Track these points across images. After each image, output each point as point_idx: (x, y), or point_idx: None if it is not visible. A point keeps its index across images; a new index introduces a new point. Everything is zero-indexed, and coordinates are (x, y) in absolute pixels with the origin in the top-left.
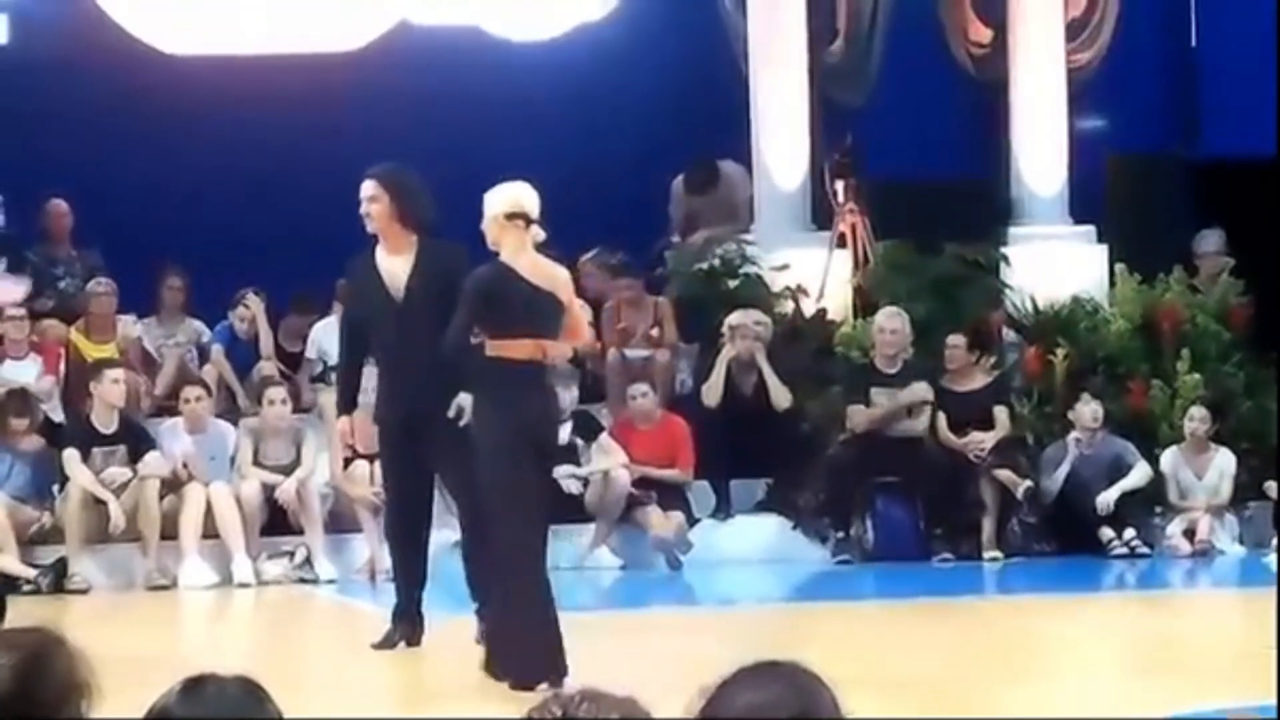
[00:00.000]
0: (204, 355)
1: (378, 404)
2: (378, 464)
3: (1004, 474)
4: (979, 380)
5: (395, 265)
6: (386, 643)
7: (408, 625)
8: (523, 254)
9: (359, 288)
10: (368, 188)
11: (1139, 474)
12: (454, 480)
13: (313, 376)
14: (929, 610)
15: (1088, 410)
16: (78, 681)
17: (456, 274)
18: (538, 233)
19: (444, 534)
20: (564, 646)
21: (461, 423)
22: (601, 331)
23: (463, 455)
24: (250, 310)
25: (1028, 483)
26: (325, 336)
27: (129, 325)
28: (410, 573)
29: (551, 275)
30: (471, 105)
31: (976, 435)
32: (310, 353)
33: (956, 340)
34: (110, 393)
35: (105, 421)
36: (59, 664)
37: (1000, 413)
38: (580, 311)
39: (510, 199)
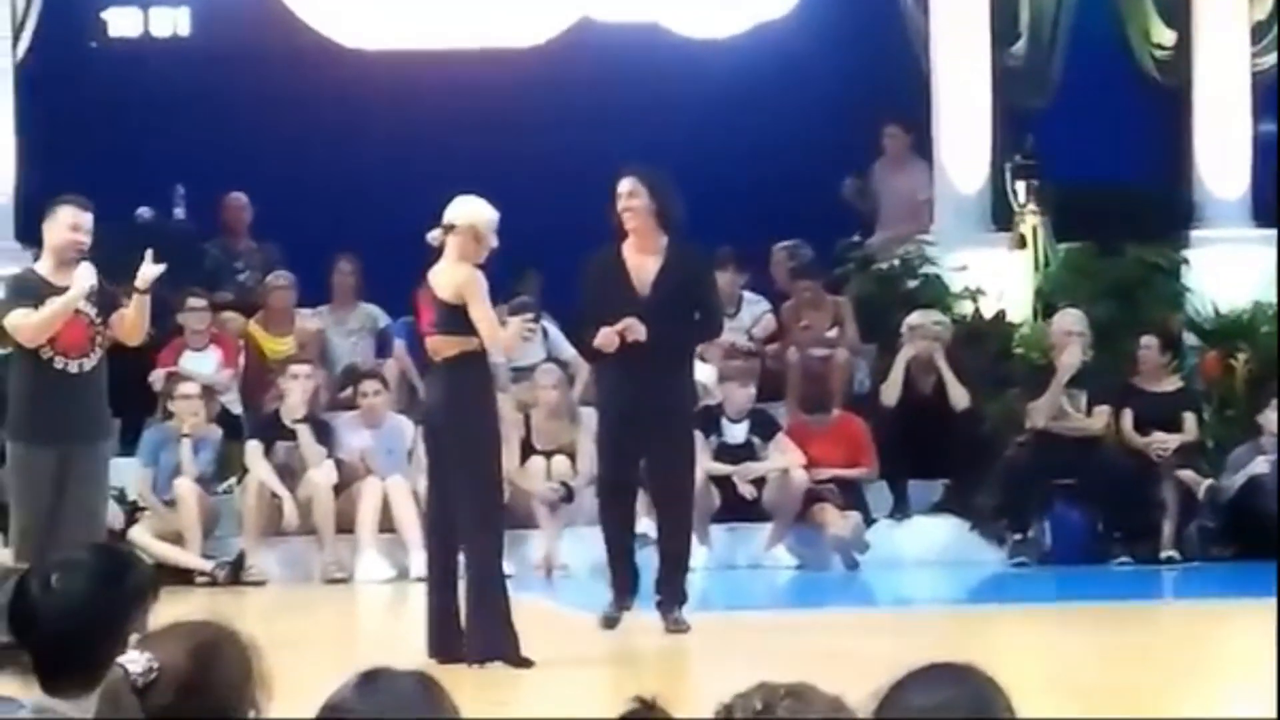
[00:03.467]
0: (381, 340)
1: (602, 393)
2: (554, 460)
3: (1187, 474)
4: (1169, 383)
5: (644, 263)
6: (610, 622)
7: (626, 596)
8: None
9: (603, 281)
10: (627, 184)
11: None
12: (656, 472)
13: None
14: (1106, 614)
15: (1276, 417)
16: (251, 673)
17: (702, 276)
18: (435, 238)
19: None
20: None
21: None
22: (783, 329)
23: (670, 449)
24: None
25: (1210, 481)
26: None
27: (307, 319)
28: (622, 552)
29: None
30: (650, 102)
31: (1160, 435)
32: (497, 357)
33: (1150, 341)
34: (296, 390)
35: (289, 416)
36: (232, 655)
37: (1189, 418)
38: (487, 317)
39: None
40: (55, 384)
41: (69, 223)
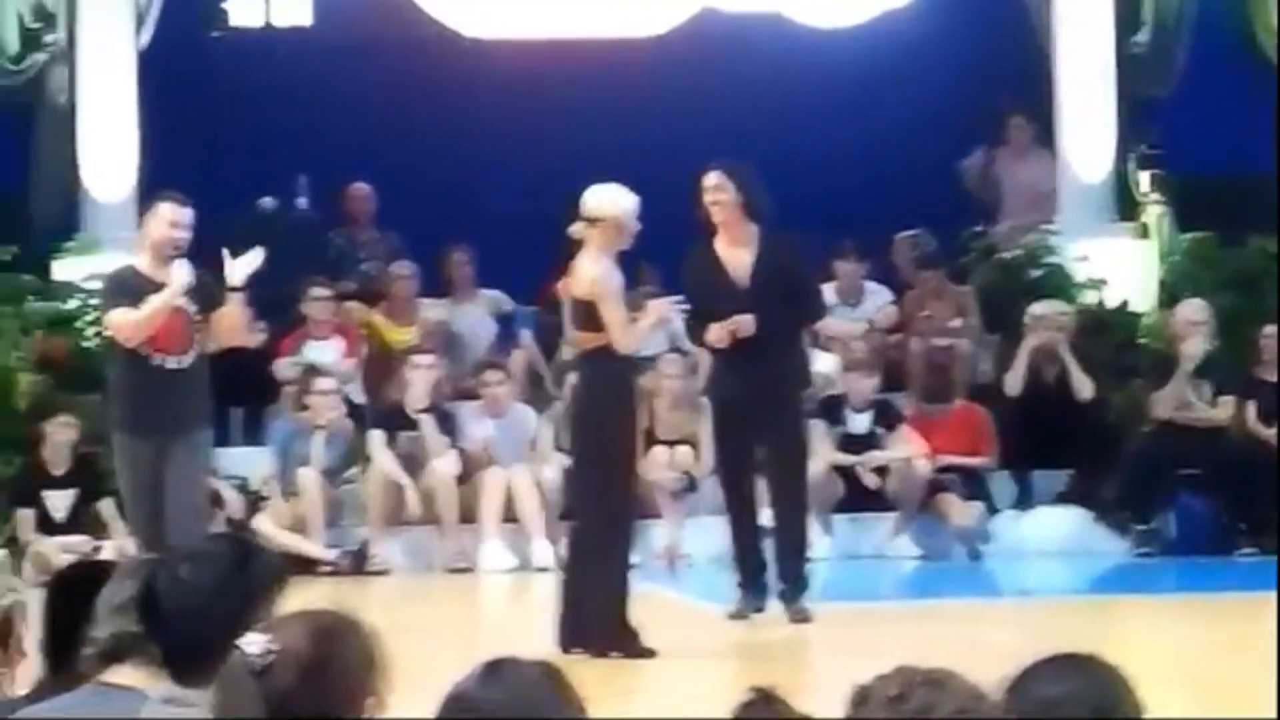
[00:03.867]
0: (505, 325)
1: (715, 387)
2: (677, 450)
3: None
4: None
5: (737, 255)
6: (741, 614)
7: (755, 595)
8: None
9: (701, 277)
10: (713, 179)
11: None
12: (775, 461)
13: None
14: (1230, 605)
15: None
16: (371, 660)
17: (797, 261)
18: (577, 232)
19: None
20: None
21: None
22: (905, 319)
23: (782, 437)
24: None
25: None
26: None
27: (430, 309)
28: (749, 546)
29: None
30: (773, 92)
31: None
32: None
33: (1272, 331)
34: (419, 380)
35: (412, 406)
36: (352, 642)
37: None
38: (617, 317)
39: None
40: (154, 380)
41: (168, 219)
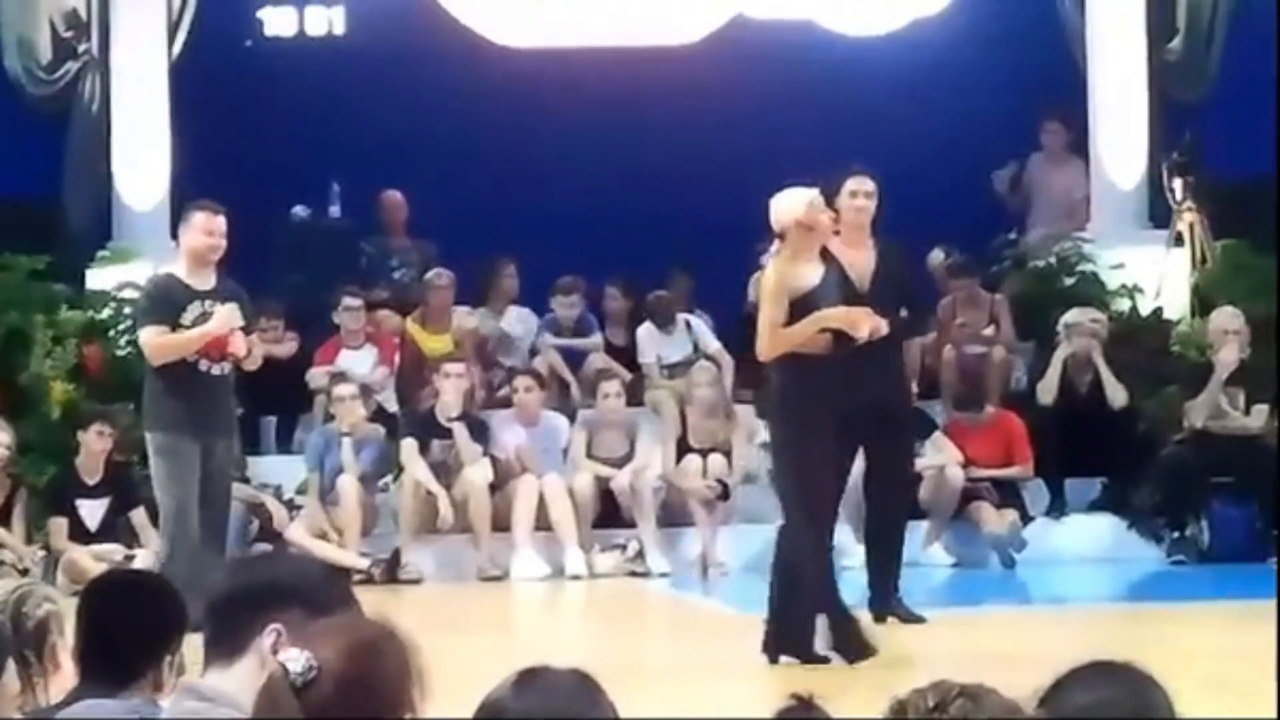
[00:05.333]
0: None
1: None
2: (710, 458)
3: None
4: None
5: (858, 259)
6: None
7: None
8: None
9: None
10: (867, 183)
11: None
12: (881, 471)
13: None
14: (1265, 612)
15: None
16: (410, 671)
17: (909, 271)
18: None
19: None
20: None
21: None
22: (939, 326)
23: (897, 448)
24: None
25: None
26: (649, 339)
27: (465, 316)
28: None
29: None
30: (805, 100)
31: None
32: (647, 356)
33: None
34: (451, 388)
35: (444, 414)
36: (391, 653)
37: None
38: (765, 322)
39: None
40: (201, 384)
41: (204, 228)
